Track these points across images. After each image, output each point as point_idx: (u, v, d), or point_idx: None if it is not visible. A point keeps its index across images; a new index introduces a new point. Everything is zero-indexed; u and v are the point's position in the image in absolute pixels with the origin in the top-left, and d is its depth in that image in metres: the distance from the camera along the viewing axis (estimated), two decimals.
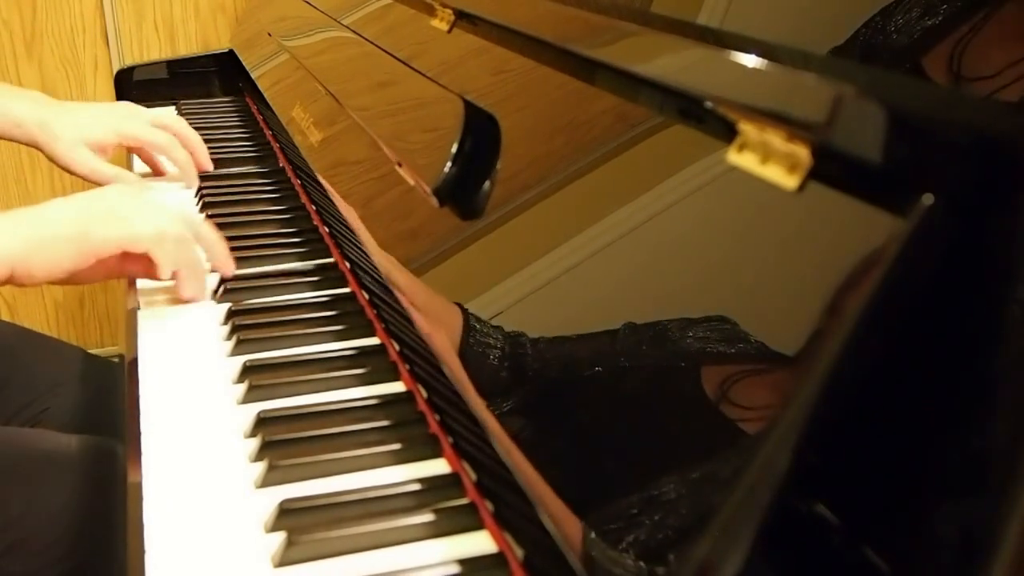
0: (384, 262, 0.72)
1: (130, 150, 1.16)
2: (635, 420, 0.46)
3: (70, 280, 0.77)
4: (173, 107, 1.54)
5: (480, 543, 0.54)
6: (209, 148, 1.27)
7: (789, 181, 0.41)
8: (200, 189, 1.10)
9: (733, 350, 0.43)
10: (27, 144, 1.04)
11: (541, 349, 0.52)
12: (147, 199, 0.79)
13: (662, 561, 0.39)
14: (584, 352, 0.50)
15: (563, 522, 0.44)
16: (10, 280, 0.73)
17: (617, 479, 0.44)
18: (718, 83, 0.47)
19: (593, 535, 0.42)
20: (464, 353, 0.57)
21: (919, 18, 0.41)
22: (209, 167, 1.14)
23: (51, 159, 1.04)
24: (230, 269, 0.84)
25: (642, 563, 0.40)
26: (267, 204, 1.06)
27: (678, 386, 0.45)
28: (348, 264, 0.88)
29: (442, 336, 0.60)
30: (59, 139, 1.02)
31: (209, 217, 0.98)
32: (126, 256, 0.77)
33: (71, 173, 1.04)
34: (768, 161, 0.42)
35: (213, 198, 1.07)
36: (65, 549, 0.80)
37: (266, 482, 0.59)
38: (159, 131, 1.09)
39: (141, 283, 0.87)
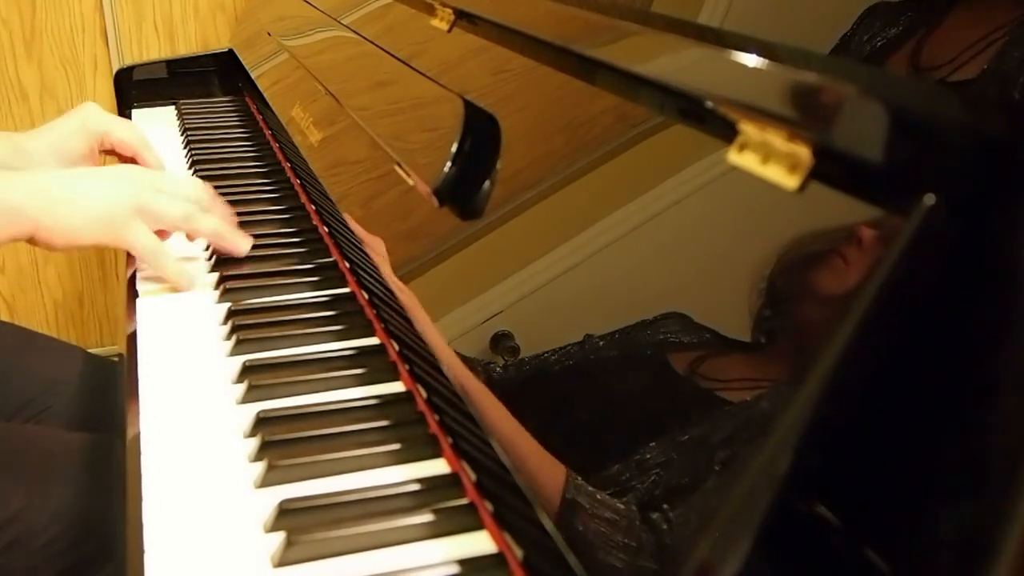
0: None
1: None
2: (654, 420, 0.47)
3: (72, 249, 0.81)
4: (173, 107, 1.54)
5: (480, 543, 0.54)
6: (209, 148, 1.27)
7: (790, 181, 0.41)
8: None
9: (724, 347, 0.43)
10: None
11: (512, 372, 0.53)
12: (164, 191, 0.83)
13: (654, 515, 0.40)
14: (556, 364, 0.51)
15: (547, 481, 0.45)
16: (30, 239, 0.77)
17: (609, 465, 0.44)
18: (718, 83, 0.47)
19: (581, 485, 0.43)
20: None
21: (880, 29, 0.41)
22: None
23: None
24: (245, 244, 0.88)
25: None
26: (267, 204, 1.06)
27: (678, 376, 0.46)
28: (348, 264, 0.88)
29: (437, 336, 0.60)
30: (33, 159, 0.97)
31: None
32: None
33: None
34: (769, 161, 0.42)
35: None
36: (65, 546, 0.80)
37: (265, 482, 0.59)
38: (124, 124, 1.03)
39: (140, 281, 0.87)
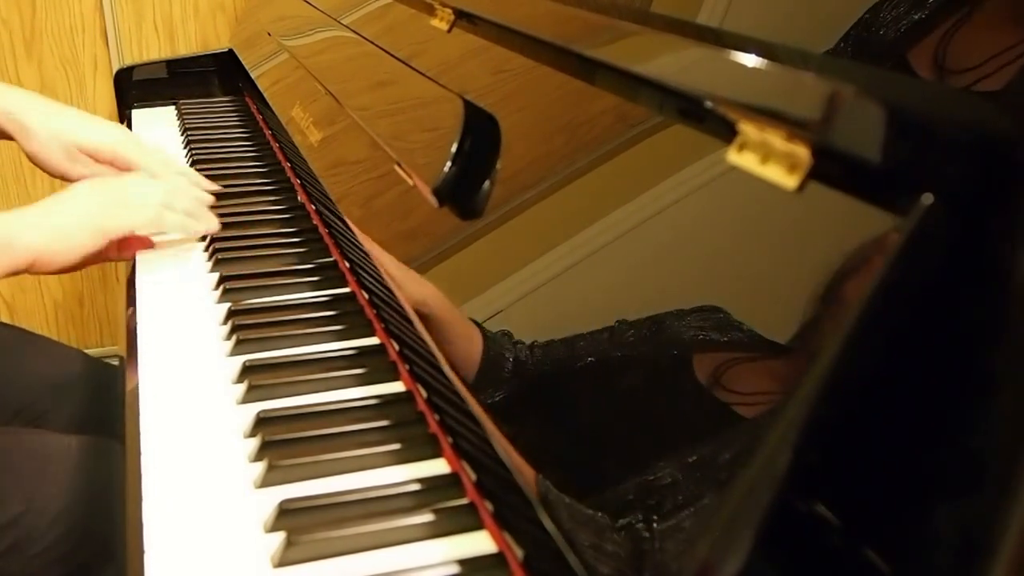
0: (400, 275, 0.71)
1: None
2: (647, 413, 0.46)
3: (79, 267, 0.85)
4: (173, 107, 1.54)
5: (480, 543, 0.54)
6: (209, 148, 1.27)
7: (789, 181, 0.41)
8: None
9: (733, 347, 0.43)
10: (7, 136, 1.00)
11: (538, 353, 0.53)
12: (143, 180, 0.91)
13: (657, 541, 0.40)
14: (583, 350, 0.50)
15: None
16: (29, 269, 0.81)
17: (617, 468, 0.44)
18: (718, 83, 0.47)
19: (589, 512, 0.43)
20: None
21: (906, 13, 0.41)
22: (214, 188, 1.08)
23: (26, 153, 0.99)
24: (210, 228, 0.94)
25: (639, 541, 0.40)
26: (267, 204, 1.06)
27: (682, 378, 0.46)
28: (348, 264, 0.88)
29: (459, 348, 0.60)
30: (37, 133, 0.98)
31: None
32: (122, 243, 0.89)
33: (44, 170, 1.00)
34: (768, 161, 0.42)
35: None
36: (65, 549, 0.80)
37: (266, 482, 0.59)
38: (154, 156, 1.01)
39: (140, 282, 0.87)
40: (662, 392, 0.46)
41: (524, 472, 0.48)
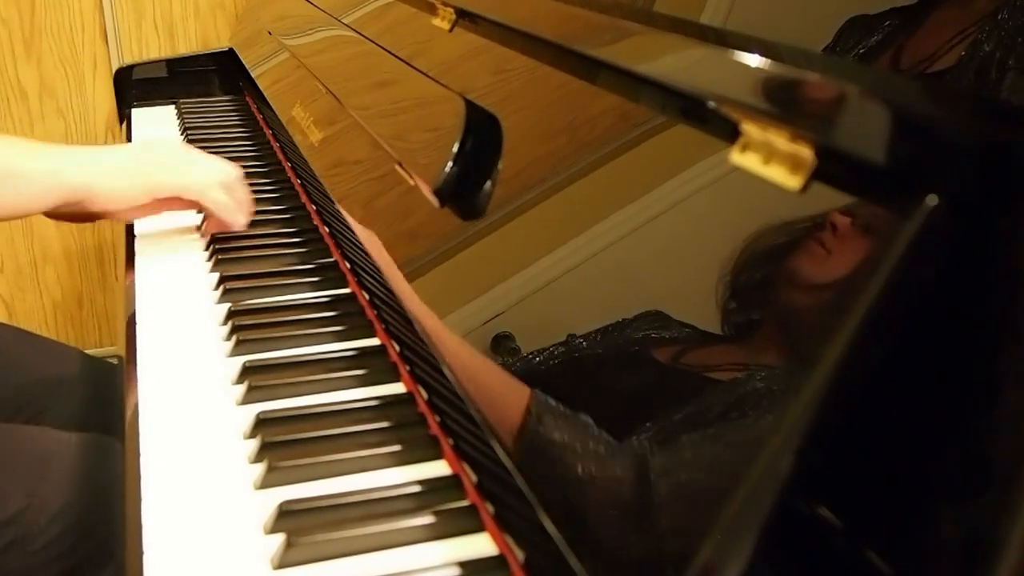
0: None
1: None
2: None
3: (118, 216, 0.90)
4: (173, 106, 1.54)
5: (481, 545, 0.54)
6: (209, 147, 1.26)
7: (792, 181, 0.41)
8: None
9: (719, 341, 0.43)
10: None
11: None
12: (198, 156, 0.93)
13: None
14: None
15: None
16: (81, 204, 0.84)
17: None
18: (721, 83, 0.47)
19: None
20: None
21: (861, 39, 0.42)
22: None
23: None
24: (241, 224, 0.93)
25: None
26: (267, 204, 1.06)
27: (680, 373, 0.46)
28: (348, 264, 0.88)
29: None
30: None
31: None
32: (166, 203, 0.91)
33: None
34: (771, 161, 0.42)
35: None
36: (64, 548, 0.79)
37: (265, 483, 0.59)
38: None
39: (140, 282, 0.87)
40: (646, 382, 0.46)
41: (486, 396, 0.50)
